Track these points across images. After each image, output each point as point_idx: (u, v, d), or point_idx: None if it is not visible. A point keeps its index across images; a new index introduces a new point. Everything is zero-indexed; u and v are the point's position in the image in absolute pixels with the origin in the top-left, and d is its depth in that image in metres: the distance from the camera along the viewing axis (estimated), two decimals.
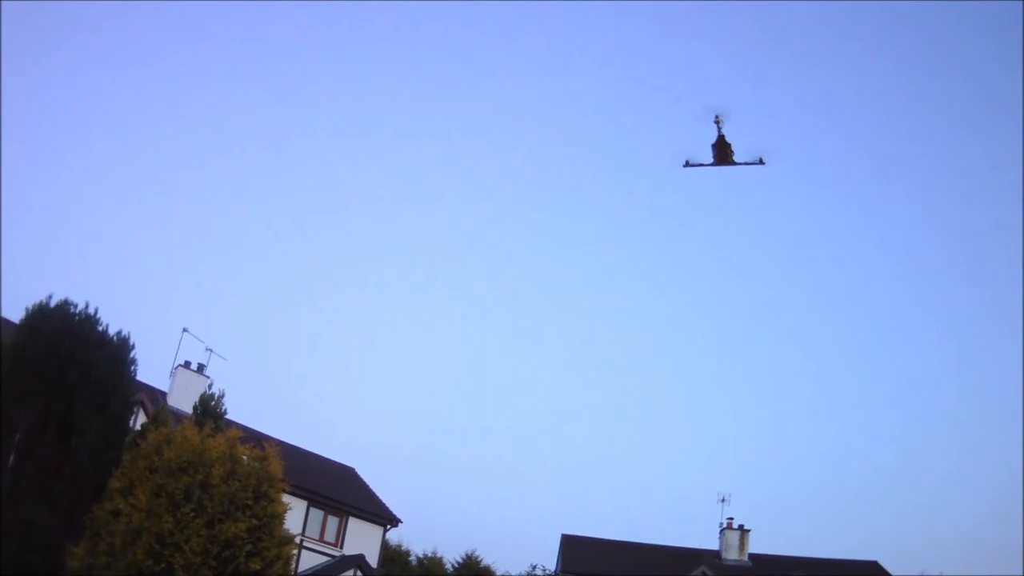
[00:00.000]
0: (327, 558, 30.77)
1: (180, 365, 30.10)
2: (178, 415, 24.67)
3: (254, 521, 17.93)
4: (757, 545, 33.16)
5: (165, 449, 18.12)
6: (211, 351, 30.13)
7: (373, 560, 31.51)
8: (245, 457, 18.57)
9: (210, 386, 24.53)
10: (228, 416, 21.44)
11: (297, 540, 29.52)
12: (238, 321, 57.12)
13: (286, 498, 22.12)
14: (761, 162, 18.20)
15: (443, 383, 64.50)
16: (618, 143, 68.65)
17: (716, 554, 33.13)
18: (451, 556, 39.69)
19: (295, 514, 29.36)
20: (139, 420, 23.90)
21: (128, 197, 63.43)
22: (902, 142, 65.03)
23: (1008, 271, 60.77)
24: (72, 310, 20.31)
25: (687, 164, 18.36)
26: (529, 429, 64.43)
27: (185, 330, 30.13)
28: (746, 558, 32.75)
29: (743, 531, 33.05)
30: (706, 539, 34.02)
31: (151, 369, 31.22)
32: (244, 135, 65.17)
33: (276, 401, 51.40)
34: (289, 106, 65.30)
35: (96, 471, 18.92)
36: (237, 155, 64.92)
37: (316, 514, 31.07)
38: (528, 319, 68.89)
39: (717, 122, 18.04)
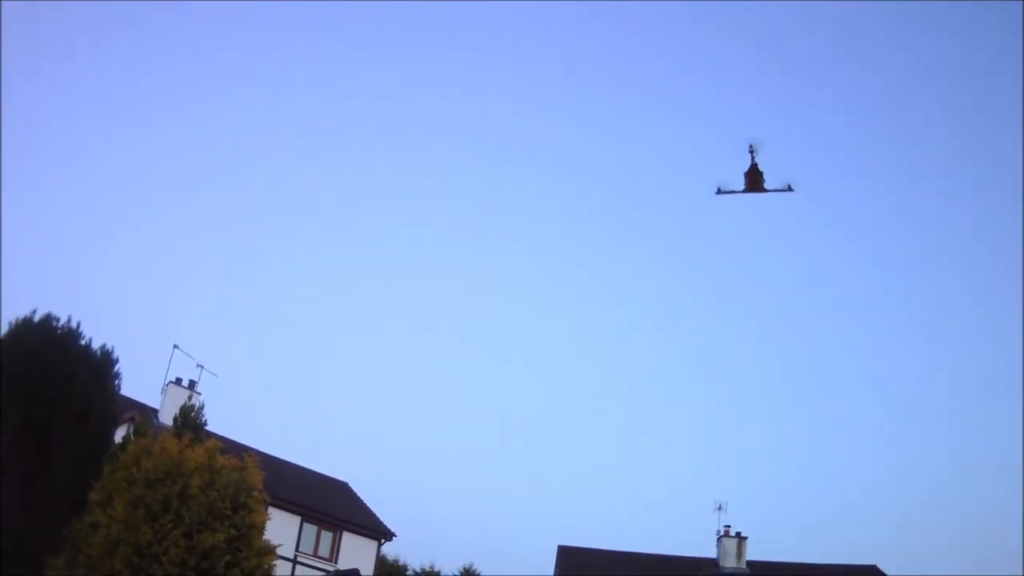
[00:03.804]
0: (321, 573, 30.73)
1: (171, 382, 30.16)
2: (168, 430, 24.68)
3: (233, 531, 17.78)
4: (755, 552, 32.97)
5: (143, 460, 18.09)
6: (202, 367, 30.18)
7: (368, 575, 31.39)
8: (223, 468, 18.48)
9: (190, 397, 24.51)
10: (211, 428, 21.39)
11: (291, 556, 29.53)
12: (230, 338, 57.22)
13: (273, 510, 22.11)
14: (790, 189, 18.62)
15: (438, 395, 64.54)
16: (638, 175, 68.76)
17: (714, 562, 32.95)
18: (448, 569, 39.60)
19: (289, 530, 29.40)
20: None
21: (119, 213, 63.70)
22: (894, 145, 65.03)
23: (1007, 271, 60.62)
24: (54, 324, 20.39)
25: (719, 191, 18.85)
26: (524, 440, 64.31)
27: (176, 347, 30.22)
28: (744, 565, 32.53)
29: (740, 538, 32.83)
30: (703, 547, 33.85)
31: (144, 386, 31.26)
32: (241, 146, 65.45)
33: (269, 417, 51.37)
34: (283, 115, 65.54)
35: (77, 484, 18.87)
36: (234, 166, 65.24)
37: (310, 529, 31.07)
38: (527, 331, 68.87)
39: (751, 151, 18.57)
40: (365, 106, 69.16)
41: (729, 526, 33.26)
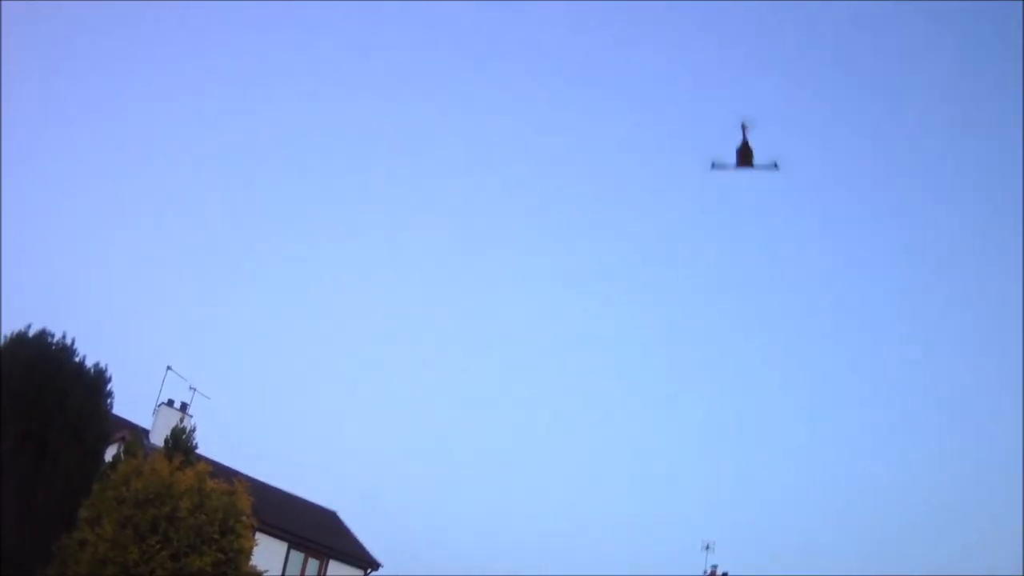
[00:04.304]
0: None
1: (163, 403, 30.10)
2: (158, 451, 24.63)
3: (220, 555, 17.79)
4: None
5: (134, 480, 18.10)
6: (194, 389, 30.10)
7: None
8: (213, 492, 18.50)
9: (181, 419, 24.52)
10: (201, 451, 21.39)
11: None
12: (223, 360, 56.62)
13: (261, 536, 22.03)
14: (775, 167, 19.27)
15: (428, 427, 63.84)
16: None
17: None
18: None
19: (276, 556, 29.22)
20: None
21: (113, 224, 63.29)
22: (892, 145, 65.27)
23: (1007, 272, 60.33)
24: (49, 339, 20.47)
25: (714, 166, 19.48)
26: (512, 475, 63.70)
27: (169, 368, 30.18)
28: None
29: None
30: None
31: (136, 407, 31.08)
32: (240, 150, 65.07)
33: (261, 443, 50.71)
34: (281, 120, 65.26)
35: (69, 500, 18.89)
36: (236, 182, 64.97)
37: (296, 556, 30.85)
38: (518, 362, 68.32)
39: (743, 128, 19.22)
40: (365, 105, 69.04)
41: (716, 566, 33.16)
